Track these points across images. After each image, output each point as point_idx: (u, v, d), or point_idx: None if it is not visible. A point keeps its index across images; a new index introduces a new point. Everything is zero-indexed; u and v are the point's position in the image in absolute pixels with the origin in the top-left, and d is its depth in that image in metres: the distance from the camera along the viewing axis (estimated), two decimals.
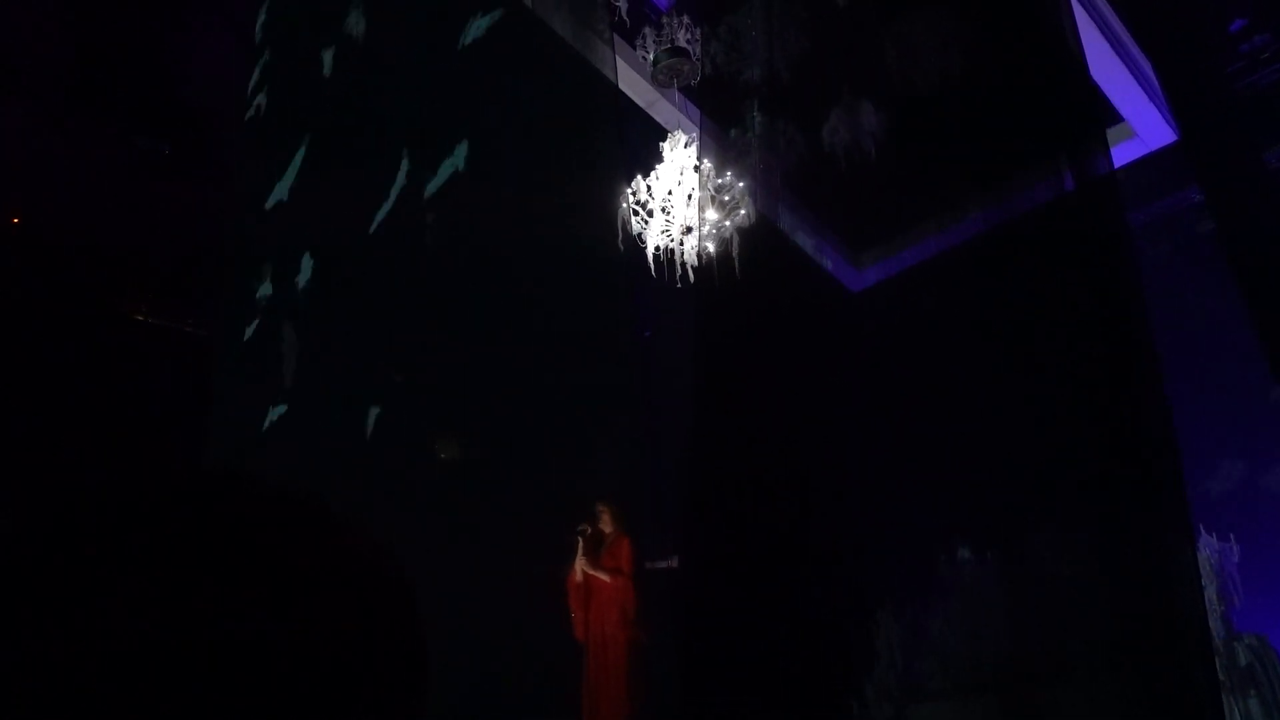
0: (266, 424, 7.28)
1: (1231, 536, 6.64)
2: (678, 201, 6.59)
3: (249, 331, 7.74)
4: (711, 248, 6.41)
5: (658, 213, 6.57)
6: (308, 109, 8.36)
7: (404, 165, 7.66)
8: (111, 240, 7.47)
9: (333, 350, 7.59)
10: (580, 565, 6.33)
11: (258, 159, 8.43)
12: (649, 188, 6.66)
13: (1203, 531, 6.55)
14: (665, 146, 6.79)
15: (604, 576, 6.29)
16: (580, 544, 6.37)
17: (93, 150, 7.15)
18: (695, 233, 6.49)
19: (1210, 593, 6.24)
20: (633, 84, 7.10)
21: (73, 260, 7.32)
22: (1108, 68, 6.59)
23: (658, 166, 6.75)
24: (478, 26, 7.20)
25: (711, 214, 6.48)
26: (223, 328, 7.86)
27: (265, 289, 8.02)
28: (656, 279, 6.62)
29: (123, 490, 0.61)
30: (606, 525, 6.47)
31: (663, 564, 6.68)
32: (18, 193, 7.20)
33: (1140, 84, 6.78)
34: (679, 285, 6.51)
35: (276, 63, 8.33)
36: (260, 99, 8.30)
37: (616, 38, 6.75)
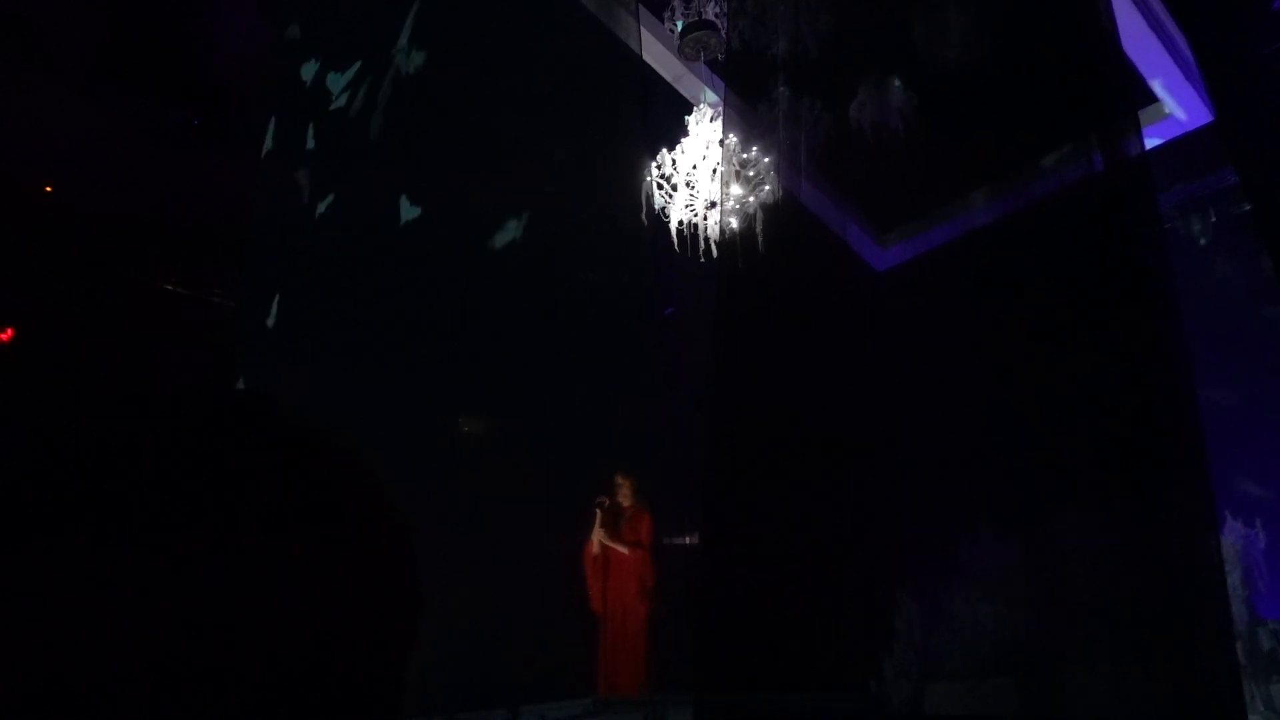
0: (288, 392, 7.34)
1: (1258, 523, 6.57)
2: (702, 176, 6.56)
3: (274, 303, 7.81)
4: (735, 223, 6.38)
5: (681, 187, 6.54)
6: (334, 85, 8.38)
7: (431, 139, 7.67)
8: (139, 211, 7.54)
9: (357, 323, 7.64)
10: (598, 537, 6.37)
11: (287, 131, 8.47)
12: (674, 162, 6.63)
13: (1229, 518, 6.49)
14: (690, 120, 6.75)
15: (622, 549, 6.32)
16: (598, 516, 6.41)
17: (120, 122, 7.21)
18: (718, 208, 6.46)
19: (1234, 579, 6.19)
20: (659, 57, 7.05)
21: (101, 230, 7.41)
22: (1144, 45, 6.46)
23: (683, 140, 6.71)
24: None
25: (736, 189, 6.45)
26: (248, 298, 7.93)
27: (290, 261, 8.07)
28: (679, 254, 6.60)
29: (137, 405, 0.61)
30: (625, 498, 6.49)
31: (682, 540, 6.71)
32: (47, 163, 7.29)
33: (1177, 63, 6.65)
34: (702, 260, 6.49)
35: (303, 40, 8.35)
36: (287, 73, 8.33)
37: (644, 10, 6.71)
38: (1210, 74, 6.62)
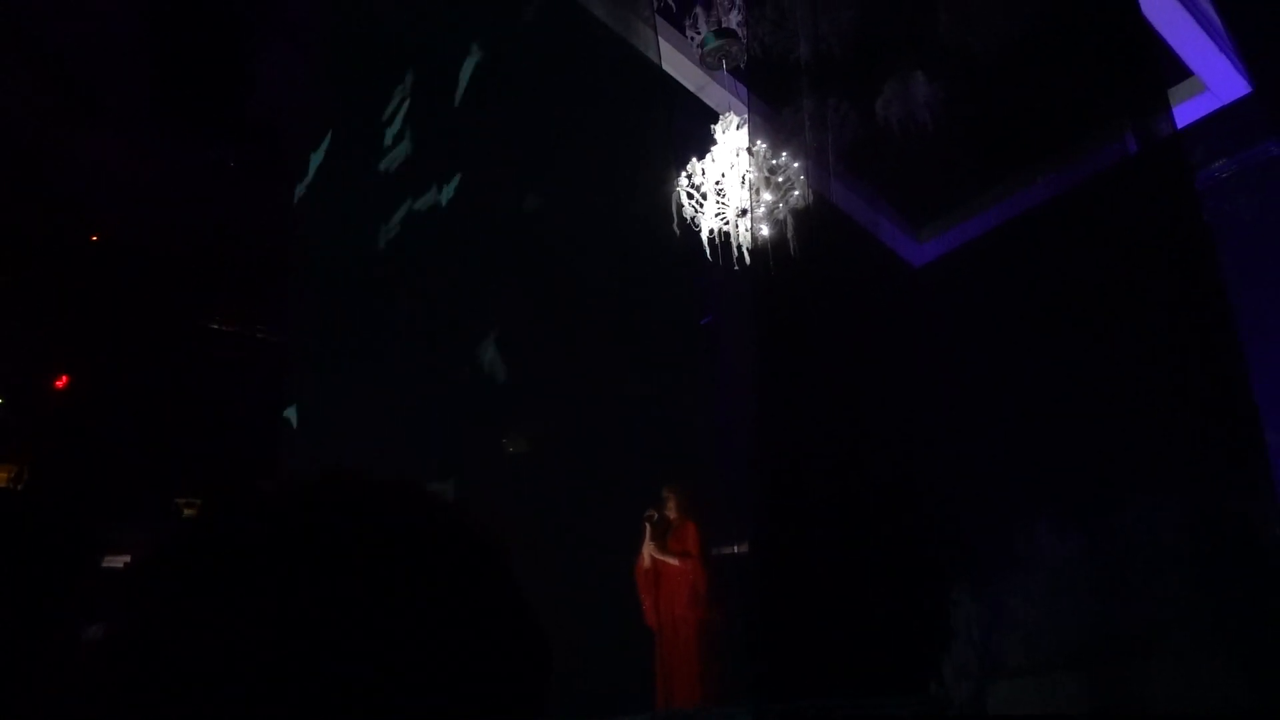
0: (338, 422, 7.49)
1: None
2: (731, 184, 6.56)
3: (319, 334, 7.94)
4: (766, 230, 6.37)
5: (711, 196, 6.55)
6: (370, 117, 8.52)
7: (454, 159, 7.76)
8: (184, 253, 7.75)
9: (401, 346, 7.74)
10: (648, 550, 6.38)
11: (325, 166, 8.63)
12: (703, 171, 6.65)
13: None
14: (717, 129, 6.76)
15: (672, 560, 6.32)
16: (648, 529, 6.41)
17: (162, 165, 7.41)
18: (749, 215, 6.45)
19: None
20: (681, 68, 7.08)
21: (147, 274, 7.63)
22: (1173, 20, 6.34)
23: (712, 150, 6.72)
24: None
25: (766, 195, 6.44)
26: (294, 332, 8.08)
27: (333, 289, 8.21)
28: (714, 263, 6.60)
29: (246, 500, 0.67)
30: (672, 510, 6.49)
31: (730, 549, 6.69)
32: (96, 207, 7.53)
33: (1209, 34, 6.51)
34: (736, 268, 6.49)
35: (338, 72, 8.50)
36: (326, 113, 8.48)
37: (664, 23, 6.75)
38: (1245, 43, 6.48)
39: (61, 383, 7.41)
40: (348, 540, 0.63)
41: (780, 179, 6.45)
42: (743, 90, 6.91)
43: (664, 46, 6.69)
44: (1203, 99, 6.93)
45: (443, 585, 0.64)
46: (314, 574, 0.60)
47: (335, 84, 8.45)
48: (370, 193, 8.50)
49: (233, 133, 7.53)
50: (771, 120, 6.71)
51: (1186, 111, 6.73)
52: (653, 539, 6.40)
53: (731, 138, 6.70)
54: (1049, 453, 6.16)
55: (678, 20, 6.82)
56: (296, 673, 0.56)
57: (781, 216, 6.34)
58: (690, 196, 6.59)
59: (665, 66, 6.78)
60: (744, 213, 6.52)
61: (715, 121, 6.84)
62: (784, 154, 6.52)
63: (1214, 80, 6.80)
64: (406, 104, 8.33)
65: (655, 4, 6.55)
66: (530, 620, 0.70)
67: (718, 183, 6.59)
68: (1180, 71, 6.70)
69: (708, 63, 6.78)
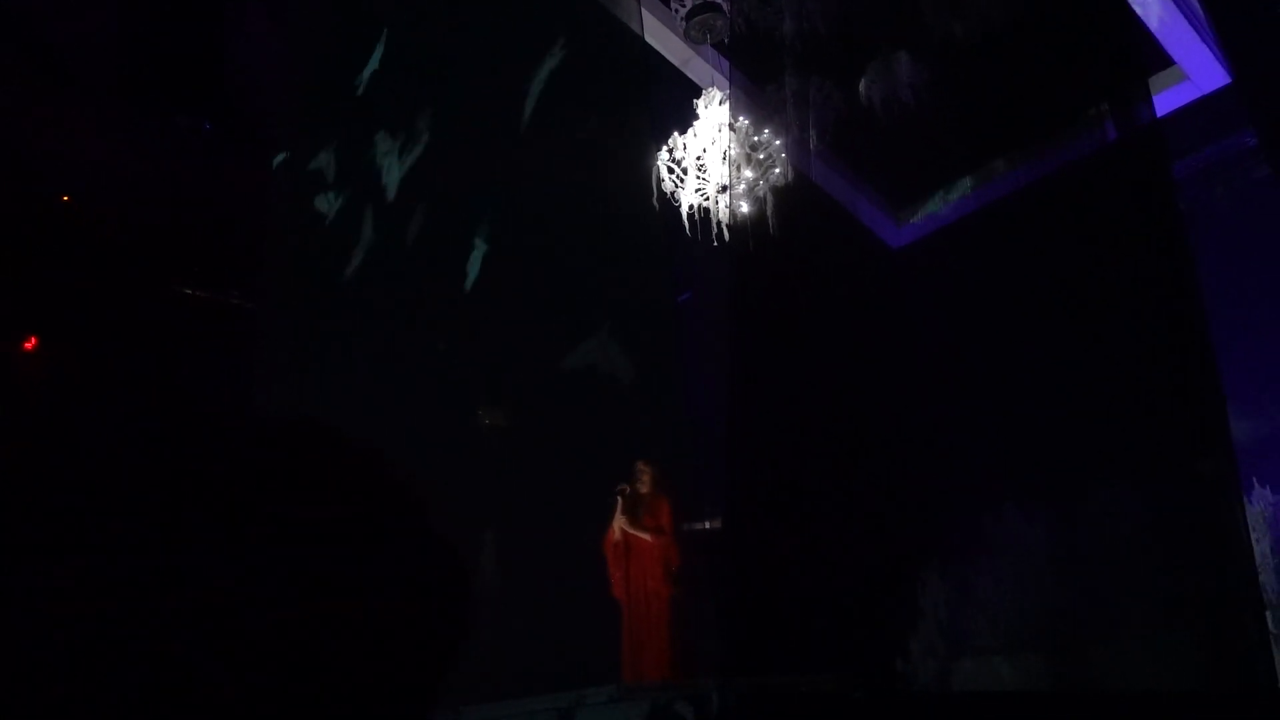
0: (311, 390, 7.45)
1: None
2: (712, 160, 6.53)
3: (293, 303, 7.88)
4: (746, 207, 6.36)
5: (692, 171, 6.53)
6: (346, 85, 8.42)
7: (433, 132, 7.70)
8: (156, 217, 7.65)
9: (375, 321, 7.70)
10: (619, 524, 6.39)
11: (300, 134, 8.54)
12: (684, 146, 6.62)
13: (1256, 485, 6.39)
14: (700, 104, 6.72)
15: (645, 535, 6.35)
16: (619, 504, 6.43)
17: (135, 130, 7.30)
18: (729, 191, 6.44)
19: (1264, 546, 6.11)
20: (666, 42, 7.02)
21: (119, 237, 7.52)
22: (1156, 8, 6.35)
23: (694, 124, 6.69)
24: None
25: (746, 172, 6.42)
26: (268, 299, 8.01)
27: (308, 261, 8.14)
28: (693, 239, 6.59)
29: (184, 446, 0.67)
30: (645, 486, 6.51)
31: (701, 525, 6.72)
32: (65, 172, 7.40)
33: (1191, 23, 6.53)
34: (715, 244, 6.47)
35: (319, 39, 8.39)
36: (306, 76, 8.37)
37: None
38: (1226, 33, 6.50)
39: (30, 344, 7.31)
40: (269, 486, 0.63)
41: (761, 156, 6.44)
42: (726, 65, 6.86)
43: (647, 19, 6.63)
44: (1183, 88, 6.95)
45: (358, 525, 0.64)
46: (238, 520, 0.60)
47: (313, 56, 8.34)
48: (347, 168, 8.42)
49: (205, 99, 7.42)
50: (754, 97, 6.68)
51: (1166, 100, 6.75)
52: (624, 512, 6.42)
53: (714, 113, 6.66)
54: (1018, 438, 6.21)
55: None
56: (218, 618, 0.55)
57: (761, 194, 6.33)
58: (671, 171, 6.56)
59: (648, 39, 6.72)
60: (724, 189, 6.50)
61: (698, 96, 6.80)
62: (766, 131, 6.49)
63: (1194, 70, 6.82)
64: (384, 75, 8.24)
65: None
66: (449, 557, 0.69)
67: (699, 158, 6.57)
68: (1161, 60, 6.72)
69: (691, 37, 6.73)
